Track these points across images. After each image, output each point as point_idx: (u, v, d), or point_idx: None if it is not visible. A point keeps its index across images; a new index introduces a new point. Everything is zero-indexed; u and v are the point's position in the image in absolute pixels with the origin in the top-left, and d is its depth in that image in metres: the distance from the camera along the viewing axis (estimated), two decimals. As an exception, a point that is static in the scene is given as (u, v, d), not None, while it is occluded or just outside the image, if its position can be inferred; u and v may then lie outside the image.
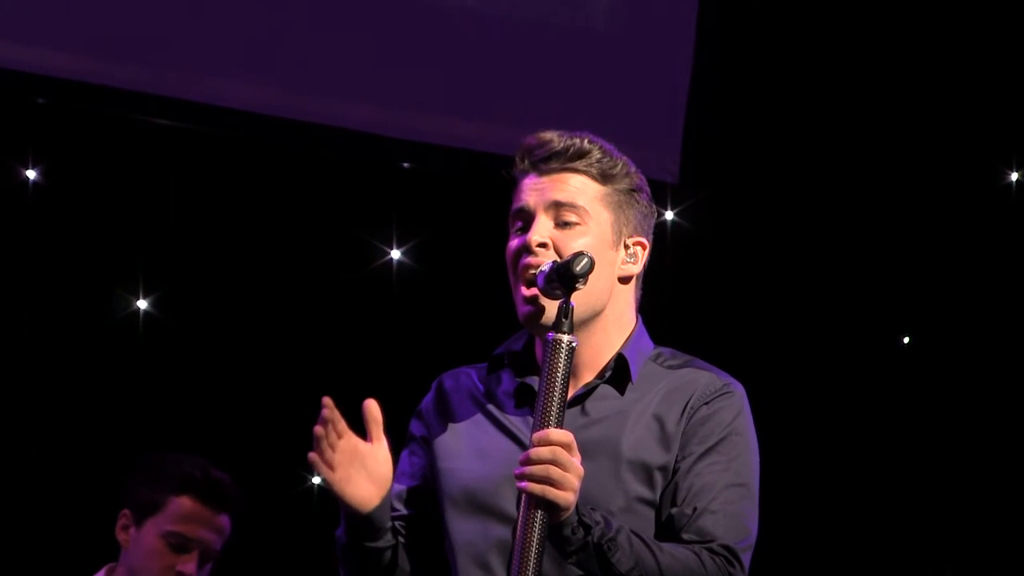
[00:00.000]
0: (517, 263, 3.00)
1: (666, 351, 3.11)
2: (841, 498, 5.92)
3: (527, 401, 3.02)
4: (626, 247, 3.07)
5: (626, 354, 3.04)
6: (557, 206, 3.01)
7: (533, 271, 2.96)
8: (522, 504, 2.77)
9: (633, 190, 3.07)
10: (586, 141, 3.04)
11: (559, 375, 2.80)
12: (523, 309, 2.99)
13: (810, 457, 5.92)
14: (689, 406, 2.99)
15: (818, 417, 5.94)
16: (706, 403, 2.99)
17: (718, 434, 2.97)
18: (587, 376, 3.04)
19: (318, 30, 5.43)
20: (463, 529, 3.00)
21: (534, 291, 2.96)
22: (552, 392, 2.80)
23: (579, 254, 2.88)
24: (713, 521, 2.91)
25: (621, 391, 3.02)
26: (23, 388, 5.34)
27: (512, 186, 3.09)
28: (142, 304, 5.44)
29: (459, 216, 5.55)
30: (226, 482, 4.18)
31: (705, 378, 3.02)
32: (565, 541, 2.80)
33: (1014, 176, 5.92)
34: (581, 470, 2.77)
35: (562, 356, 2.80)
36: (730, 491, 2.94)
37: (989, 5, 5.87)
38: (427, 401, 3.17)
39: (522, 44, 5.61)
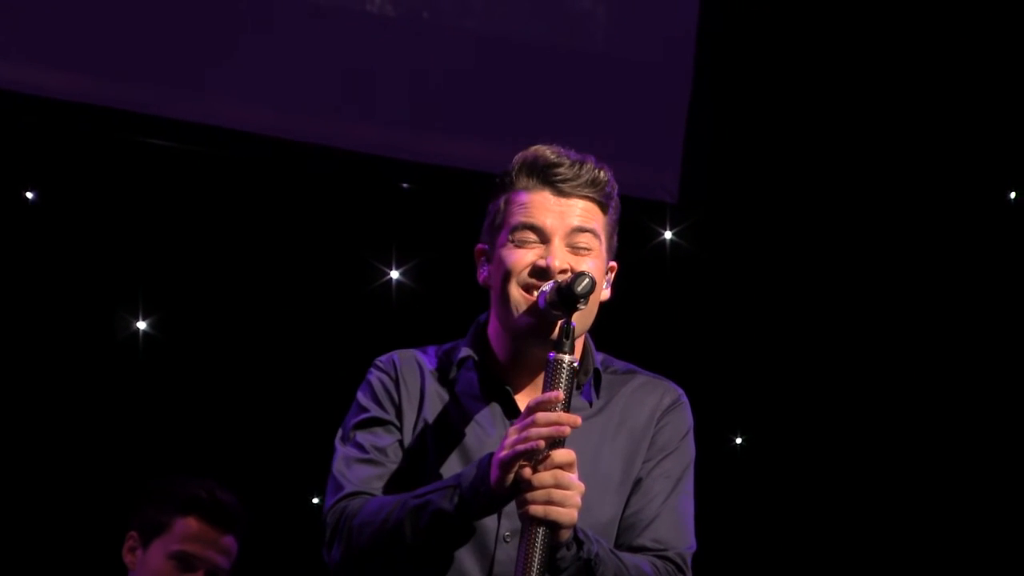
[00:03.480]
0: (526, 277, 3.00)
1: (606, 357, 3.17)
2: (843, 516, 5.93)
3: (510, 412, 3.03)
4: (608, 271, 3.12)
5: (599, 368, 3.10)
6: (577, 232, 3.03)
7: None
8: (523, 522, 2.78)
9: (619, 219, 3.13)
10: (596, 168, 3.06)
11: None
12: (527, 320, 2.98)
13: (811, 473, 5.92)
14: (655, 417, 3.09)
15: (819, 434, 5.94)
16: (666, 412, 3.10)
17: (674, 443, 3.09)
18: None
19: (317, 52, 5.44)
20: None
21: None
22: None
23: (581, 275, 2.89)
24: (666, 529, 3.02)
25: (590, 402, 3.08)
26: (24, 409, 5.33)
27: (499, 187, 3.09)
28: (142, 325, 5.44)
29: (458, 237, 5.53)
30: (232, 503, 4.18)
31: (661, 387, 3.13)
32: (560, 558, 2.81)
33: (1013, 195, 5.94)
34: (582, 486, 2.79)
35: (563, 377, 2.81)
36: (679, 498, 3.05)
37: (988, 44, 5.89)
38: (387, 382, 3.10)
39: (522, 65, 5.62)
